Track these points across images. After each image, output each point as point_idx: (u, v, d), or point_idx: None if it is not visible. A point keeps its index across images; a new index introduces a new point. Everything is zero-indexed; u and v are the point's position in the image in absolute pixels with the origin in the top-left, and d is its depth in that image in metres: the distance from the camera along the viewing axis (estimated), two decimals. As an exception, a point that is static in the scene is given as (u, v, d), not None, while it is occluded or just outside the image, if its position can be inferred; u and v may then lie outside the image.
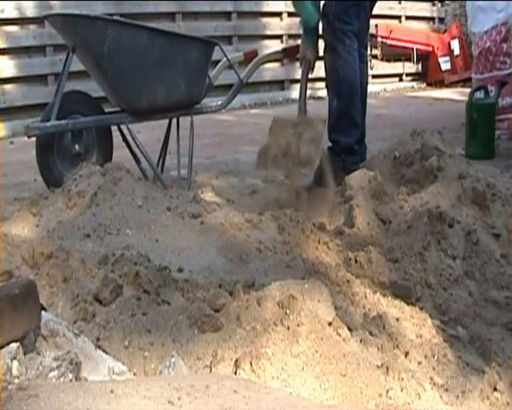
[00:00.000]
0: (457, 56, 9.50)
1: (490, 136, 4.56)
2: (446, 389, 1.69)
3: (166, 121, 3.69)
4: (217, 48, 3.60)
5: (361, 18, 3.59)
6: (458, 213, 2.59)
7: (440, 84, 9.40)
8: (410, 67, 9.70)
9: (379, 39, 9.26)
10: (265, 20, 8.52)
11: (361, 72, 3.77)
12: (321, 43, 3.63)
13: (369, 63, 9.60)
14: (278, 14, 8.61)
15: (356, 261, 2.32)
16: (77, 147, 3.44)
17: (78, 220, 2.43)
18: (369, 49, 9.18)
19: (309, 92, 8.56)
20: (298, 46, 3.97)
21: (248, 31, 8.26)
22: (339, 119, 3.55)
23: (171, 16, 7.60)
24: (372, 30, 9.26)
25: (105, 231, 2.37)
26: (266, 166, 3.40)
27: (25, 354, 1.24)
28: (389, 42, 9.27)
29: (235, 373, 1.48)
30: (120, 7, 7.01)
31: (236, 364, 1.49)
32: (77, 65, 3.58)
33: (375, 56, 9.37)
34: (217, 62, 3.82)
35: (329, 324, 1.66)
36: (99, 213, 2.45)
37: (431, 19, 10.28)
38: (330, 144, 3.64)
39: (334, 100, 3.57)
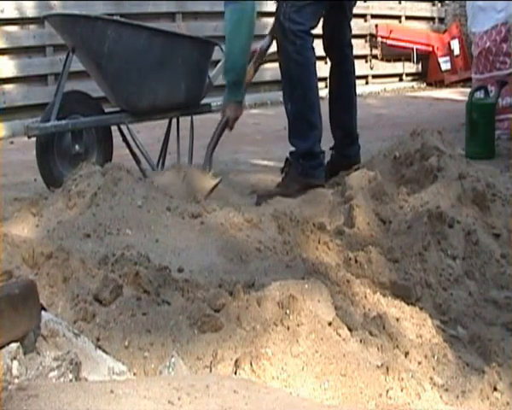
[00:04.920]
0: (457, 56, 9.50)
1: (490, 136, 4.56)
2: (446, 389, 1.69)
3: (166, 121, 3.69)
4: (217, 48, 3.61)
5: (317, 17, 3.46)
6: (458, 213, 2.59)
7: (440, 84, 9.40)
8: (410, 67, 9.70)
9: (379, 39, 9.26)
10: (265, 20, 8.51)
11: (346, 71, 3.74)
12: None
13: (369, 63, 9.58)
14: (278, 15, 8.61)
15: (356, 261, 2.32)
16: (77, 147, 3.44)
17: (78, 220, 2.43)
18: (369, 49, 9.26)
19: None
20: None
21: (248, 31, 8.25)
22: (294, 123, 3.47)
23: (171, 16, 7.60)
24: (372, 30, 9.27)
25: (105, 231, 2.37)
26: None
27: (25, 354, 1.24)
28: (389, 42, 9.27)
29: (235, 373, 1.48)
30: (120, 7, 7.00)
31: (236, 364, 1.49)
32: (77, 65, 3.58)
33: (375, 56, 9.37)
34: (217, 62, 3.82)
35: (329, 324, 1.66)
36: (99, 213, 2.44)
37: (431, 19, 10.27)
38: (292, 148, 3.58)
39: (287, 104, 3.48)
